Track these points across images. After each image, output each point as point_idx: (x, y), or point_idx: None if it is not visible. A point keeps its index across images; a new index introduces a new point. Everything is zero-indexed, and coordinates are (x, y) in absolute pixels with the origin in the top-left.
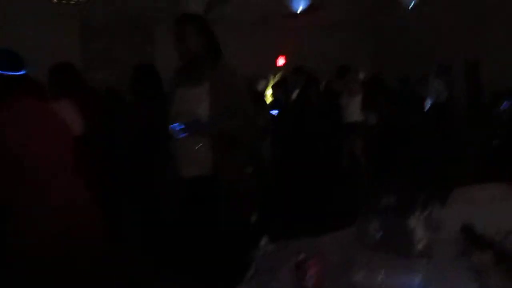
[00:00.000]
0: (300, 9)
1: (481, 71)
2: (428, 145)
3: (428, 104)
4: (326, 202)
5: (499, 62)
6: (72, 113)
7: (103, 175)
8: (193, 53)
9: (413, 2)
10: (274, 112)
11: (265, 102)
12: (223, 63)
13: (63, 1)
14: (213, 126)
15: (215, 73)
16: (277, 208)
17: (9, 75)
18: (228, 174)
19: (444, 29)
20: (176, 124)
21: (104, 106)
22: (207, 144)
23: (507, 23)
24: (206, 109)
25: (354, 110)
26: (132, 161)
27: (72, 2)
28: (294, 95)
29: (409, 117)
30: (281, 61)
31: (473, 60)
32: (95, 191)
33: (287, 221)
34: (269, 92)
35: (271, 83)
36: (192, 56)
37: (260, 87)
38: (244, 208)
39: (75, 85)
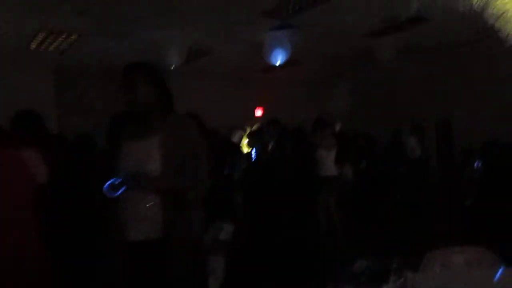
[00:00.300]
0: (278, 63)
1: (453, 130)
2: (404, 202)
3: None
4: (296, 262)
5: (471, 121)
6: (36, 161)
7: (56, 228)
8: (142, 104)
9: (388, 58)
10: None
11: (241, 152)
12: (177, 114)
13: (41, 49)
14: (162, 181)
15: (167, 125)
16: (247, 263)
17: None
18: (180, 237)
19: (418, 88)
20: (113, 178)
21: (71, 154)
22: (158, 203)
23: (477, 83)
24: (157, 165)
25: (329, 164)
26: (86, 216)
27: (50, 50)
28: (269, 147)
29: (387, 172)
30: (259, 113)
31: (445, 119)
32: (47, 244)
33: (254, 281)
34: (245, 141)
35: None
36: (140, 106)
37: (236, 138)
38: (196, 274)
39: (40, 133)
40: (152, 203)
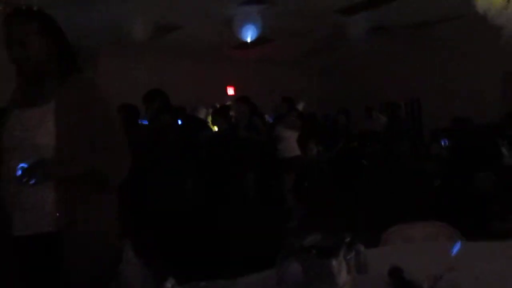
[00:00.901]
0: (249, 40)
1: (422, 109)
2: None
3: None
4: (246, 240)
5: (439, 101)
6: None
7: None
8: (35, 62)
9: (360, 36)
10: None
11: (209, 129)
12: (80, 76)
13: None
14: (64, 166)
15: (66, 89)
16: (191, 245)
17: None
18: (82, 230)
19: (389, 67)
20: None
21: None
22: (53, 191)
23: (445, 63)
24: (48, 137)
25: (292, 144)
26: None
27: None
28: (238, 125)
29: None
30: (230, 91)
31: (414, 98)
32: None
33: (201, 260)
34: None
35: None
36: (33, 65)
37: (201, 115)
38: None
39: None
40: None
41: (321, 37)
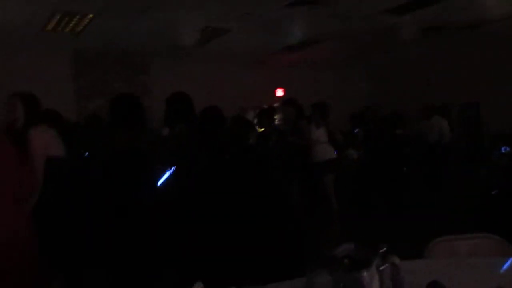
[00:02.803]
0: (297, 42)
1: (481, 114)
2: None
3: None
4: (275, 247)
5: (499, 105)
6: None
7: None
8: None
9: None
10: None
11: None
12: None
13: (57, 30)
14: None
15: None
16: (225, 251)
17: None
18: None
19: (443, 69)
20: None
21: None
22: None
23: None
24: None
25: (329, 147)
26: None
27: (66, 31)
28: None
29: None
30: (279, 93)
31: (471, 102)
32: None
33: (228, 268)
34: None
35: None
36: None
37: (250, 117)
38: None
39: None
40: None
41: (370, 38)
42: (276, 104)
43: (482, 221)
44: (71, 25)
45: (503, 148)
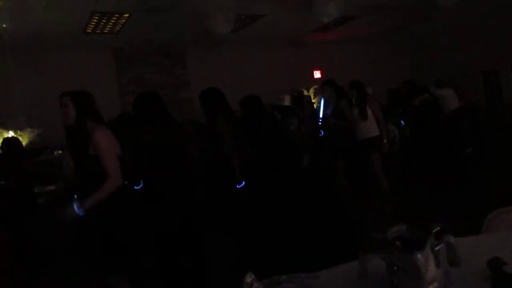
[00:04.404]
0: (332, 20)
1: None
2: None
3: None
4: (327, 229)
5: None
6: None
7: None
8: None
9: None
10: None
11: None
12: None
13: (97, 31)
14: None
15: None
16: (269, 236)
17: None
18: None
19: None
20: None
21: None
22: None
23: None
24: None
25: (373, 125)
26: None
27: (106, 31)
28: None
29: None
30: (317, 74)
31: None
32: None
33: (278, 254)
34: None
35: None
36: None
37: (287, 102)
38: None
39: None
40: None
41: (408, 8)
42: (315, 86)
43: None
44: (109, 25)
45: None
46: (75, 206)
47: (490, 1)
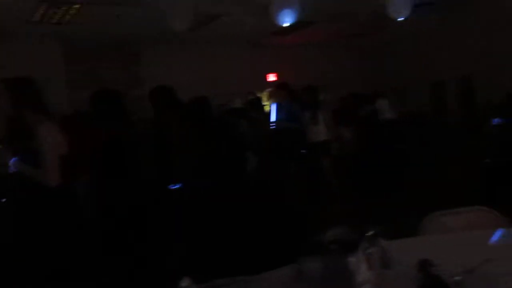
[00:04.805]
0: (288, 24)
1: (474, 86)
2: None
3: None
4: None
5: (491, 77)
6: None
7: None
8: None
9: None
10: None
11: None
12: None
13: (44, 20)
14: None
15: None
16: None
17: None
18: None
19: (436, 45)
20: None
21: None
22: None
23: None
24: None
25: (323, 129)
26: None
27: (53, 22)
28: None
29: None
30: (272, 77)
31: (465, 74)
32: None
33: (219, 257)
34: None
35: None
36: None
37: (237, 105)
38: None
39: None
40: None
41: (364, 17)
42: (269, 89)
43: (477, 193)
44: (58, 15)
45: (495, 119)
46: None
47: (439, 14)
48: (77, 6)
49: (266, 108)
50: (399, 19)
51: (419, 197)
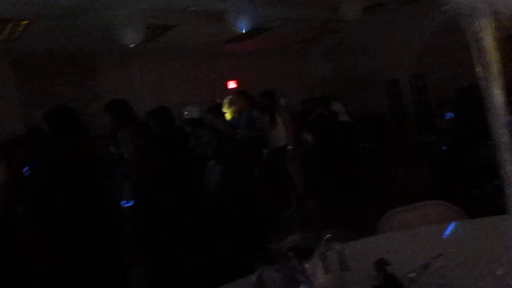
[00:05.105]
0: (245, 31)
1: (426, 83)
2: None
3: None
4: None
5: (443, 73)
6: None
7: None
8: None
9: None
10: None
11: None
12: None
13: None
14: None
15: None
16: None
17: None
18: None
19: (390, 44)
20: None
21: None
22: None
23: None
24: None
25: (282, 134)
26: None
27: (1, 39)
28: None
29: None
30: (232, 85)
31: (418, 72)
32: None
33: (179, 269)
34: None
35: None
36: None
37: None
38: None
39: None
40: None
41: (318, 21)
42: (230, 97)
43: (433, 188)
44: (5, 32)
45: (447, 114)
46: None
47: (390, 15)
48: (25, 22)
49: (227, 116)
50: (351, 21)
51: (378, 195)
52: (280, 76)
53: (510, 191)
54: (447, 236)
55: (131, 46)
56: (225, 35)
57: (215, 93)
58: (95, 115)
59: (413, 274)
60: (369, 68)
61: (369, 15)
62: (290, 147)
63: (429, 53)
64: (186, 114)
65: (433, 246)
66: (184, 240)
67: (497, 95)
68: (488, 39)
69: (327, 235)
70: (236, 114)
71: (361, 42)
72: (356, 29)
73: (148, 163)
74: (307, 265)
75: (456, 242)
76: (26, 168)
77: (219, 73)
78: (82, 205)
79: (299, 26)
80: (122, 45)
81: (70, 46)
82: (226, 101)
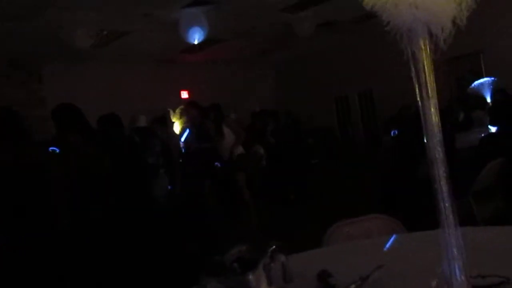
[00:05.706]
0: (196, 42)
1: (374, 100)
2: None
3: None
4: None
5: (389, 90)
6: None
7: None
8: None
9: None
10: None
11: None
12: None
13: None
14: None
15: None
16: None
17: None
18: None
19: (341, 61)
20: None
21: None
22: None
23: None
24: None
25: (229, 145)
26: None
27: None
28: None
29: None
30: (184, 95)
31: (367, 89)
32: None
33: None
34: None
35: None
36: None
37: (141, 123)
38: None
39: None
40: None
41: (272, 35)
42: (181, 107)
43: (377, 202)
44: None
45: (392, 131)
46: None
47: (340, 34)
48: None
49: (178, 126)
50: (303, 37)
51: (325, 208)
52: (232, 87)
53: (442, 206)
54: (388, 249)
55: (80, 50)
56: (178, 45)
57: (168, 102)
58: (40, 120)
59: (353, 285)
60: (320, 83)
61: (322, 32)
62: (239, 159)
63: (377, 71)
64: (134, 122)
65: (374, 258)
66: (127, 249)
67: (433, 114)
68: (424, 60)
69: (272, 247)
70: (187, 124)
71: (313, 58)
72: (309, 44)
73: (94, 170)
74: (250, 277)
75: (395, 254)
76: None
77: (172, 82)
78: (23, 213)
79: (252, 39)
80: (70, 50)
81: (14, 49)
82: (177, 111)
